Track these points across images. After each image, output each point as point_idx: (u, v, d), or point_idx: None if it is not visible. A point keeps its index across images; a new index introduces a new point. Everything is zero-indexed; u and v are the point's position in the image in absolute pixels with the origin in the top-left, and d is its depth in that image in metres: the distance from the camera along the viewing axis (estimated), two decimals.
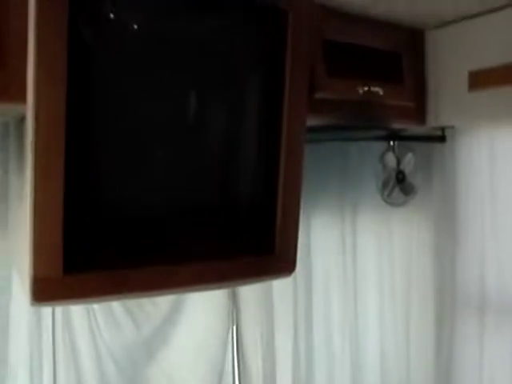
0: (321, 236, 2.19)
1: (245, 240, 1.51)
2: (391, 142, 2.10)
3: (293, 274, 1.60)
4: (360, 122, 1.85)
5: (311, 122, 1.60)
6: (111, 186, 1.33)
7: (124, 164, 1.33)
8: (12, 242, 1.53)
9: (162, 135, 1.38)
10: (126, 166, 1.34)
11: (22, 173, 1.37)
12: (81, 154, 1.24)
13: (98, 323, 1.72)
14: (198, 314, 1.92)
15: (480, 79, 1.80)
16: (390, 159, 2.09)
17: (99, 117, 1.28)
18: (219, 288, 1.82)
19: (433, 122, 2.00)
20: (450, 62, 1.94)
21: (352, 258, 2.31)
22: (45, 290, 1.19)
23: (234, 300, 2.01)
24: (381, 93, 1.76)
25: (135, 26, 1.31)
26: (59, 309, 1.63)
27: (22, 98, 1.22)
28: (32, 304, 1.20)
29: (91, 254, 1.28)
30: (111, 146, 1.31)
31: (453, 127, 2.12)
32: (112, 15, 1.25)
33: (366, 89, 1.72)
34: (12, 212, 1.55)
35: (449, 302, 2.33)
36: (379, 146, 2.13)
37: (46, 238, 1.19)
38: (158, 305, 1.84)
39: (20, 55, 1.22)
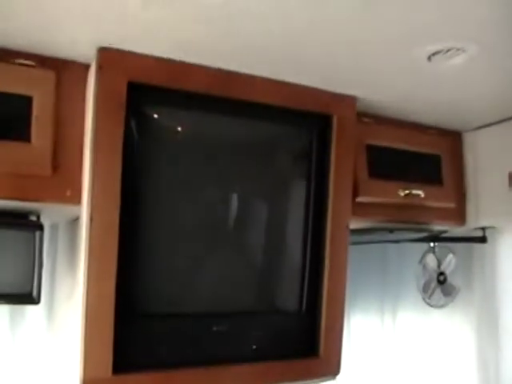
0: (360, 336, 2.12)
1: (288, 343, 1.50)
2: (431, 244, 2.08)
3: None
4: (401, 224, 1.85)
5: (353, 225, 1.62)
6: (161, 287, 1.35)
7: (172, 265, 1.37)
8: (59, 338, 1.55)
9: (206, 239, 1.42)
10: (174, 268, 1.37)
11: (70, 273, 1.40)
12: (132, 255, 1.28)
13: None
14: None
15: None
16: (431, 260, 2.05)
17: (149, 218, 1.33)
18: None
19: (473, 222, 1.99)
20: (489, 163, 1.95)
21: (391, 359, 2.22)
22: None
23: None
24: (422, 195, 1.77)
25: (179, 129, 1.39)
26: None
27: (77, 199, 1.28)
28: None
29: (141, 354, 1.29)
30: (160, 247, 1.35)
31: (494, 228, 2.09)
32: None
33: (407, 192, 1.74)
34: (60, 309, 1.57)
35: None
36: (419, 246, 2.10)
37: (97, 339, 1.21)
38: None
39: (75, 159, 1.30)
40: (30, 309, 1.54)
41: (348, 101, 1.56)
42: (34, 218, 1.40)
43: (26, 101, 1.23)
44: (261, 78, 1.42)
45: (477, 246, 2.17)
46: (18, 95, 1.23)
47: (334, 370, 1.57)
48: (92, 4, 1.06)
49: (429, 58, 1.32)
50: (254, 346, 1.44)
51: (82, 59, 1.30)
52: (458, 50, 1.28)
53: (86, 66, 1.31)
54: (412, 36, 1.21)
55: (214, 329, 1.38)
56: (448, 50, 1.28)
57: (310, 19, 1.13)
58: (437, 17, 1.12)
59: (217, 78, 1.36)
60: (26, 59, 1.25)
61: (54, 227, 1.58)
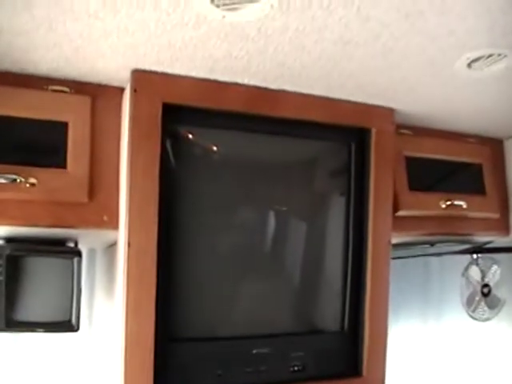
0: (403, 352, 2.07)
1: (330, 363, 1.46)
2: (474, 255, 2.01)
3: None
4: (443, 236, 1.79)
5: (394, 239, 1.57)
6: (200, 311, 1.33)
7: (210, 288, 1.34)
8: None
9: (244, 260, 1.39)
10: (212, 291, 1.34)
11: (109, 298, 1.39)
12: (170, 279, 1.26)
13: None
14: None
15: None
16: (475, 273, 1.98)
17: (186, 241, 1.30)
18: None
19: None
20: None
21: (435, 374, 2.15)
22: None
23: None
24: (464, 206, 1.71)
25: (215, 149, 1.36)
26: None
27: (114, 224, 1.27)
28: None
29: (181, 379, 1.28)
30: (197, 270, 1.32)
31: None
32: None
33: (448, 203, 1.68)
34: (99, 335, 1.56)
35: None
36: (462, 259, 2.03)
37: (137, 365, 1.20)
38: None
39: (112, 184, 1.29)
40: (68, 334, 1.53)
41: (386, 113, 1.51)
42: (71, 245, 1.40)
43: (62, 127, 1.22)
44: (296, 94, 1.39)
45: None
46: (53, 122, 1.22)
47: None
48: (127, 29, 1.05)
49: (469, 65, 1.27)
50: (296, 368, 1.40)
51: (116, 83, 1.30)
52: (500, 55, 1.23)
53: (121, 90, 1.31)
54: (452, 45, 1.16)
55: (254, 352, 1.36)
56: (489, 56, 1.23)
57: (346, 34, 1.09)
58: (477, 24, 1.07)
59: (252, 95, 1.34)
60: (60, 85, 1.25)
61: (92, 252, 1.58)
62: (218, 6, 0.98)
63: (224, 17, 1.02)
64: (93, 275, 1.57)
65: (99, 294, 1.55)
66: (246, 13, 1.01)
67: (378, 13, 1.02)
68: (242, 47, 1.15)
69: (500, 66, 1.27)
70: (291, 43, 1.13)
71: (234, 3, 0.97)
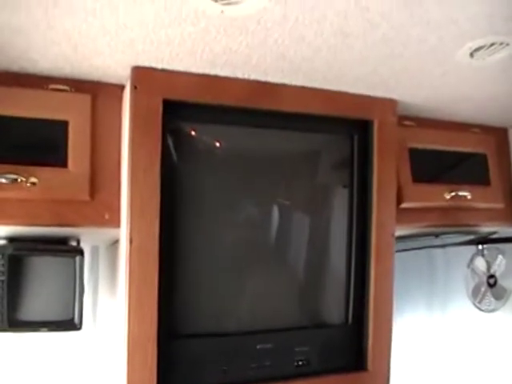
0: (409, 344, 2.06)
1: (335, 357, 1.46)
2: (480, 246, 2.00)
3: None
4: (447, 227, 1.78)
5: (398, 232, 1.55)
6: (203, 306, 1.33)
7: (213, 284, 1.33)
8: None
9: (247, 255, 1.38)
10: (216, 286, 1.33)
11: (112, 295, 1.39)
12: (172, 276, 1.26)
13: None
14: None
15: None
16: (480, 263, 1.97)
17: (189, 237, 1.29)
18: None
19: None
20: None
21: (440, 368, 2.15)
22: None
23: None
24: (468, 196, 1.69)
25: (217, 144, 1.36)
26: None
27: (116, 222, 1.26)
28: None
29: (184, 375, 1.27)
30: (200, 266, 1.31)
31: None
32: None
33: (453, 194, 1.67)
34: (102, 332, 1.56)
35: None
36: (467, 250, 2.02)
37: (140, 362, 1.20)
38: None
39: (113, 182, 1.28)
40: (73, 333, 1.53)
41: (388, 105, 1.50)
42: (73, 243, 1.39)
43: (62, 126, 1.22)
44: (297, 87, 1.38)
45: None
46: (53, 120, 1.22)
47: (384, 383, 1.52)
48: (125, 25, 1.04)
49: (471, 55, 1.25)
50: (300, 362, 1.40)
51: (116, 80, 1.29)
52: (502, 44, 1.21)
53: (121, 87, 1.30)
54: (453, 34, 1.14)
55: (258, 347, 1.35)
56: (491, 45, 1.22)
57: (345, 24, 1.08)
58: (477, 12, 1.06)
59: (253, 89, 1.33)
60: (60, 84, 1.24)
61: (95, 249, 1.58)
62: (216, 1, 0.97)
63: (222, 11, 1.01)
64: (96, 272, 1.57)
65: (103, 291, 1.54)
66: (245, 6, 0.99)
67: (377, 3, 1.01)
68: (242, 41, 1.13)
69: (502, 54, 1.25)
70: (291, 35, 1.12)
71: None
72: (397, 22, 1.09)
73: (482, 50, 1.24)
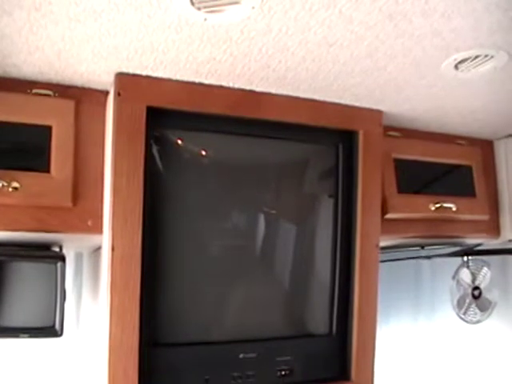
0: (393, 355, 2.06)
1: (319, 367, 1.45)
2: (465, 258, 2.00)
3: None
4: (433, 239, 1.78)
5: (383, 242, 1.56)
6: (186, 315, 1.32)
7: (197, 292, 1.33)
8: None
9: (232, 264, 1.38)
10: (199, 295, 1.33)
11: (95, 302, 1.38)
12: (155, 284, 1.25)
13: None
14: None
15: None
16: (465, 275, 1.97)
17: (173, 245, 1.29)
18: None
19: (508, 234, 1.90)
20: None
21: (426, 377, 2.15)
22: None
23: None
24: (454, 208, 1.70)
25: (202, 152, 1.35)
26: None
27: (99, 229, 1.26)
28: None
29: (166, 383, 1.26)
30: (184, 274, 1.31)
31: None
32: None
33: (438, 205, 1.67)
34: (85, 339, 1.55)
35: None
36: (452, 261, 2.02)
37: (122, 369, 1.19)
38: None
39: (96, 188, 1.27)
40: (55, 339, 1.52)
41: (374, 115, 1.50)
42: (56, 249, 1.38)
43: (46, 131, 1.21)
44: (282, 96, 1.38)
45: None
46: (36, 125, 1.21)
47: None
48: (109, 32, 1.04)
49: (456, 67, 1.27)
50: (283, 372, 1.39)
51: (100, 86, 1.29)
52: (486, 56, 1.22)
53: (105, 93, 1.30)
54: (437, 46, 1.16)
55: (241, 356, 1.34)
56: (476, 57, 1.23)
57: (329, 35, 1.09)
58: (463, 25, 1.07)
59: (237, 98, 1.33)
60: (43, 89, 1.24)
61: (79, 256, 1.57)
62: (199, 9, 0.98)
63: (206, 19, 1.01)
64: (80, 279, 1.56)
65: (86, 297, 1.53)
66: (228, 15, 1.00)
67: (361, 14, 1.02)
68: (226, 50, 1.14)
69: (487, 66, 1.27)
70: (275, 45, 1.12)
71: (214, 5, 0.96)
72: (381, 34, 1.10)
73: (467, 62, 1.25)
